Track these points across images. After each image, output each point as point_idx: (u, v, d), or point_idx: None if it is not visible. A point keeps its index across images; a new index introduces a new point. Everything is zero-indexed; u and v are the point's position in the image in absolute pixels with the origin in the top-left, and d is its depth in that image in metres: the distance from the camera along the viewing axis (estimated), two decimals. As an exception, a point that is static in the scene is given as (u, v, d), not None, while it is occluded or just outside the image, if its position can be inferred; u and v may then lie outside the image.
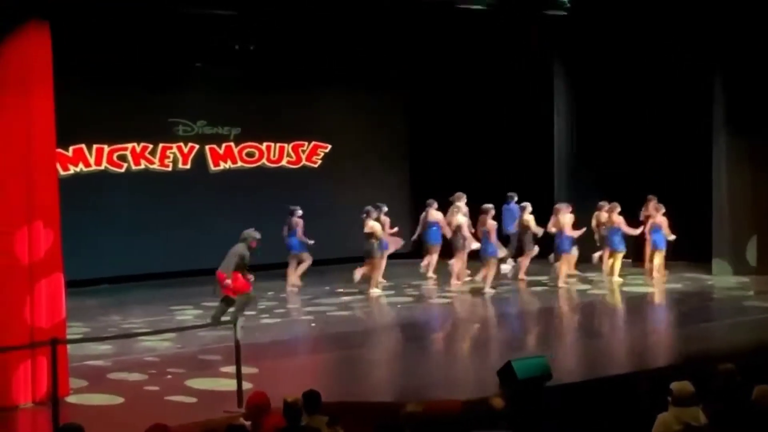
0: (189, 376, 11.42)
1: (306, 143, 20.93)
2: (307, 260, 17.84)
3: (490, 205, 17.40)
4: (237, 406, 9.55)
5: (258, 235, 13.76)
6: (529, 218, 17.80)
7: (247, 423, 7.65)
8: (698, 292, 16.97)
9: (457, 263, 17.57)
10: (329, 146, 21.13)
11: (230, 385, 10.19)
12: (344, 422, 7.42)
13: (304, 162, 20.96)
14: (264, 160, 20.46)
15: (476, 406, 6.59)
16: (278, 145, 20.58)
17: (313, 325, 14.68)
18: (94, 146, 18.54)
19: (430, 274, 18.33)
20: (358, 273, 17.05)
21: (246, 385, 9.94)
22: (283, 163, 20.70)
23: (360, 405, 9.53)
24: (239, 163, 20.13)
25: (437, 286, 17.81)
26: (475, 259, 17.36)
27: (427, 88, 21.78)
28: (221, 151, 19.93)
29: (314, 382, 8.75)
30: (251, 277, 13.67)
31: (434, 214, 18.31)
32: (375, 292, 16.96)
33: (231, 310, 13.45)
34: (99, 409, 10.17)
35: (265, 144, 20.42)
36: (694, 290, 17.13)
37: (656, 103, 19.36)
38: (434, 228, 18.32)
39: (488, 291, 16.89)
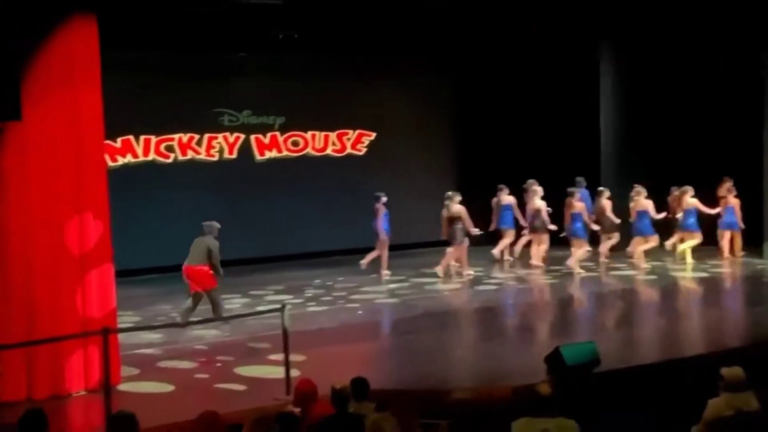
0: (238, 363, 11.51)
1: (351, 131, 20.95)
2: (385, 248, 17.96)
3: (575, 188, 17.81)
4: (285, 394, 9.61)
5: (218, 225, 13.86)
6: (607, 203, 17.89)
7: (296, 410, 7.70)
8: (751, 276, 16.83)
9: (542, 246, 18.01)
10: (374, 134, 21.13)
11: (278, 372, 10.26)
12: (392, 409, 7.43)
13: (349, 150, 20.97)
14: (309, 149, 20.50)
15: (527, 392, 6.58)
16: (323, 133, 20.61)
17: (360, 312, 14.71)
18: (142, 137, 18.70)
19: (507, 257, 18.81)
20: (448, 263, 17.45)
21: (294, 373, 10.00)
22: (328, 151, 20.72)
23: (407, 392, 9.54)
24: (284, 153, 20.20)
25: (509, 269, 18.42)
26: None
27: (473, 74, 21.68)
28: (266, 141, 20.01)
29: (361, 369, 8.78)
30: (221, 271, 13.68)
31: (506, 198, 18.85)
32: (468, 273, 17.43)
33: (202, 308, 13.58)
34: (150, 396, 10.28)
35: (310, 133, 20.46)
36: (747, 274, 17.04)
37: (705, 86, 19.13)
38: (507, 212, 18.79)
39: (578, 271, 17.17)
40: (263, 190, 19.62)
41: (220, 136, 19.47)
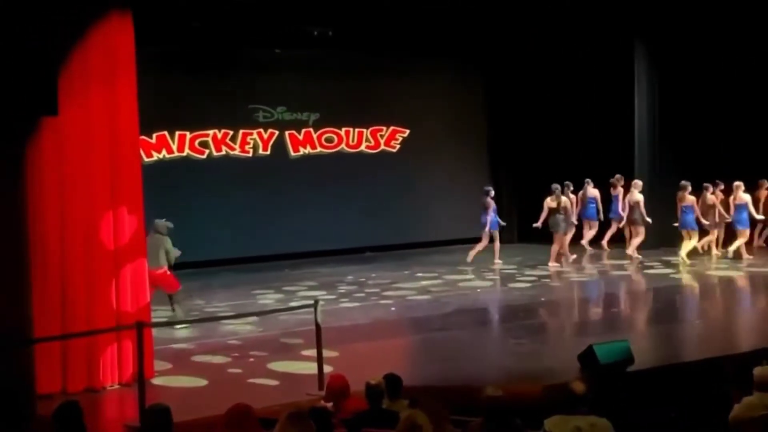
0: (271, 359, 11.54)
1: (384, 128, 20.96)
2: (496, 240, 18.50)
3: (687, 182, 17.97)
4: (318, 389, 9.63)
5: (171, 225, 13.82)
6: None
7: (329, 405, 7.72)
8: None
9: (638, 238, 18.39)
10: (408, 131, 21.13)
11: (311, 368, 10.28)
12: (423, 405, 7.42)
13: (382, 147, 20.99)
14: (343, 146, 20.54)
15: (558, 391, 6.55)
16: (357, 130, 20.64)
17: (393, 309, 14.72)
18: (177, 133, 18.81)
19: (589, 248, 19.21)
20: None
21: (326, 369, 10.02)
22: (362, 148, 20.75)
23: (440, 389, 9.52)
24: (318, 149, 20.25)
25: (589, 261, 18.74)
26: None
27: (506, 70, 21.63)
28: (301, 137, 20.07)
29: (393, 365, 8.76)
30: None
31: (591, 191, 19.32)
32: (554, 266, 17.87)
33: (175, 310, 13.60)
34: (183, 390, 10.33)
35: (343, 129, 20.50)
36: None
37: (739, 81, 18.98)
38: (591, 204, 19.32)
39: (685, 260, 17.68)
40: (297, 186, 19.67)
41: (255, 132, 19.55)
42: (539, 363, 11.09)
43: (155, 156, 18.47)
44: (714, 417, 7.08)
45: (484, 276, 17.37)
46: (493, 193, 18.37)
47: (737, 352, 10.89)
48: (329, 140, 20.35)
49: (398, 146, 21.11)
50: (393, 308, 14.77)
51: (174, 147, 18.83)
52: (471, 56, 21.44)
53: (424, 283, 16.80)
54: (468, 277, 17.30)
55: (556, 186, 17.96)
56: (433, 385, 9.66)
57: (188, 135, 18.92)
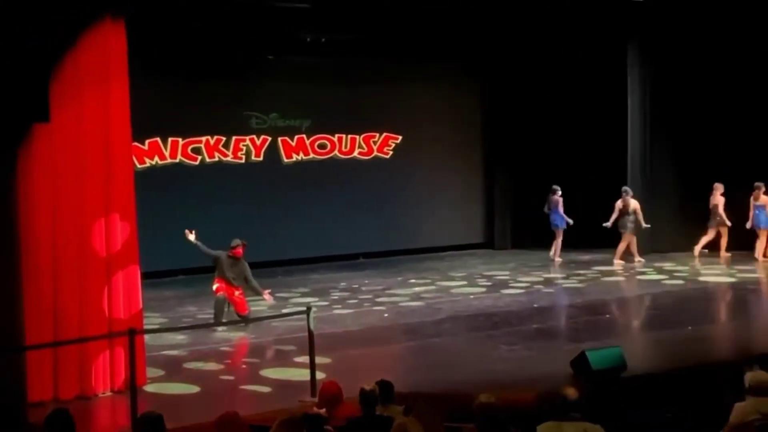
0: (263, 365, 11.54)
1: (377, 134, 20.94)
2: (558, 237, 19.40)
3: (762, 183, 18.23)
4: (310, 396, 9.62)
5: None
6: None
7: (322, 411, 7.71)
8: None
9: (716, 239, 18.87)
10: (400, 137, 21.12)
11: (304, 374, 10.27)
12: (416, 412, 7.42)
13: (375, 153, 20.98)
14: (336, 152, 20.51)
15: (551, 397, 6.54)
16: (350, 136, 20.62)
17: (386, 315, 14.71)
18: (169, 139, 18.77)
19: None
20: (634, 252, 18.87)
21: (319, 375, 10.01)
22: (355, 154, 20.73)
23: (433, 395, 9.52)
24: (311, 155, 20.22)
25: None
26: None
27: (500, 77, 21.59)
28: (293, 143, 20.04)
29: (386, 372, 8.76)
30: None
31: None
32: (639, 260, 18.64)
33: None
34: (176, 397, 10.32)
35: (336, 136, 20.47)
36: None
37: (734, 82, 18.99)
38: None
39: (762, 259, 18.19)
40: (289, 193, 19.64)
41: (247, 138, 19.52)
42: (532, 369, 11.10)
43: (148, 162, 18.44)
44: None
45: (476, 282, 17.37)
46: (560, 192, 19.12)
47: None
48: (322, 146, 20.33)
49: (391, 152, 21.08)
50: (386, 314, 14.77)
51: (167, 153, 18.78)
52: (465, 63, 21.42)
53: (417, 289, 16.80)
54: (461, 283, 17.30)
55: (626, 188, 18.70)
56: (426, 392, 9.65)
57: (181, 141, 18.88)
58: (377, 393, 7.32)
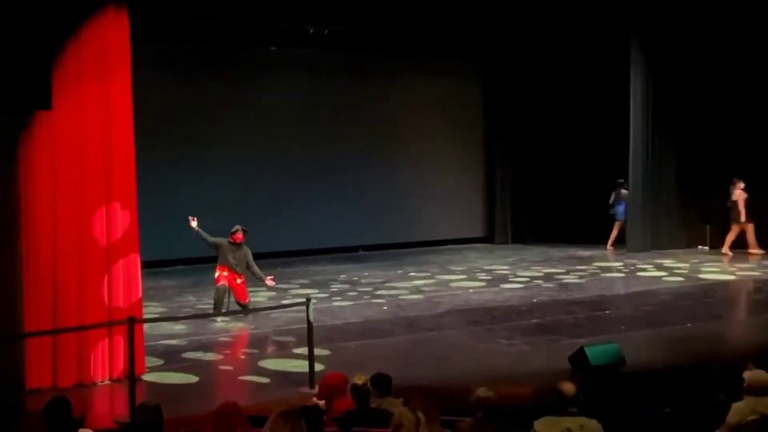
0: (262, 356, 11.54)
1: (379, 127, 20.89)
2: (615, 228, 20.26)
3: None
4: (309, 387, 9.63)
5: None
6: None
7: (321, 403, 7.72)
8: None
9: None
10: (403, 130, 21.08)
11: (303, 366, 10.28)
12: (413, 405, 7.42)
13: (376, 146, 20.90)
14: (337, 145, 20.46)
15: (548, 392, 6.55)
16: (351, 128, 20.54)
17: (385, 308, 14.71)
18: (171, 130, 18.71)
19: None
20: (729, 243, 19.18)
21: (318, 367, 10.02)
22: (356, 146, 20.67)
23: (430, 388, 9.52)
24: (312, 147, 20.16)
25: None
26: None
27: (502, 73, 21.61)
28: (294, 135, 19.98)
29: (386, 364, 8.76)
30: None
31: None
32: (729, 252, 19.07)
33: None
34: (174, 387, 10.32)
35: (338, 128, 20.40)
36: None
37: (734, 82, 18.98)
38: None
39: None
40: (290, 185, 19.63)
41: (249, 130, 19.48)
42: (530, 364, 11.10)
43: (148, 152, 18.37)
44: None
45: (476, 276, 17.38)
46: (626, 185, 19.73)
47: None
48: (323, 139, 20.28)
49: (392, 146, 21.05)
50: (385, 307, 14.77)
51: (168, 143, 18.75)
52: (467, 57, 21.43)
53: (416, 282, 16.81)
54: (460, 277, 17.31)
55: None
56: (424, 385, 9.65)
57: (182, 132, 18.84)
58: (368, 386, 7.32)
